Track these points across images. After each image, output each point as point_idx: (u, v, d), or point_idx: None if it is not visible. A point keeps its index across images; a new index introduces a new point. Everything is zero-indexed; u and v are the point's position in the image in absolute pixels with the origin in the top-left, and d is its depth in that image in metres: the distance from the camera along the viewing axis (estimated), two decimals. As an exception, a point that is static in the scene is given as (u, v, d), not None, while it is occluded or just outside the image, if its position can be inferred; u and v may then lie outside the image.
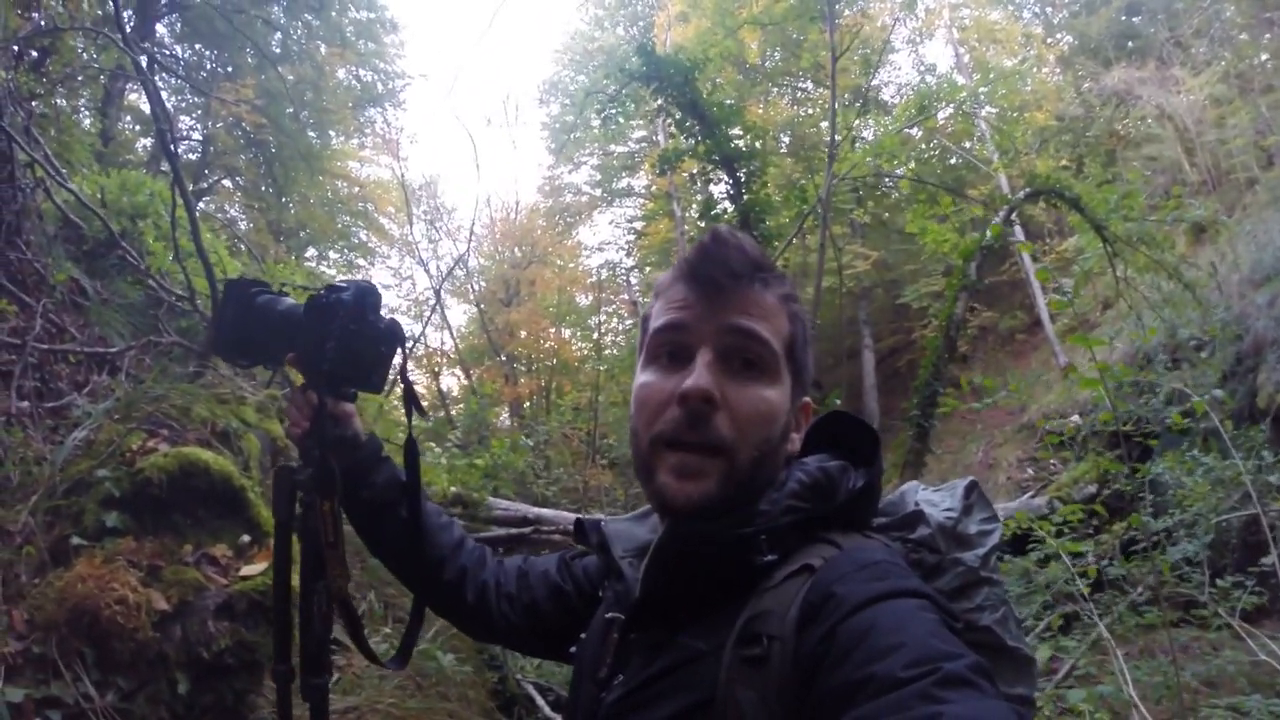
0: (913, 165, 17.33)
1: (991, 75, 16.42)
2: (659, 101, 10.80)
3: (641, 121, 20.99)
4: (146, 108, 12.60)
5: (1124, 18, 21.11)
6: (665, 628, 0.94)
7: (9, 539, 2.40)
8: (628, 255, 27.65)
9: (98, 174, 5.49)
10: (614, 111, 12.03)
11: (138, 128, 14.14)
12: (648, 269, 25.66)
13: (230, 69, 15.01)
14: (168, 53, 14.07)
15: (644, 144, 25.30)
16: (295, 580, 1.37)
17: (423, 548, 1.36)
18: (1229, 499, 5.56)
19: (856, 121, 13.11)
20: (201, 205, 15.17)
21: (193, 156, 15.72)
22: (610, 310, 26.49)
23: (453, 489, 6.60)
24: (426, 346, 22.04)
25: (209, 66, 15.40)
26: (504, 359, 23.10)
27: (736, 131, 10.99)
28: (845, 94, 17.55)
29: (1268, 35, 17.02)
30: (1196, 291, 9.99)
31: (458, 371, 23.36)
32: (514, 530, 6.48)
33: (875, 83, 20.98)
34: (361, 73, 18.65)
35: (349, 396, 1.38)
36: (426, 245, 24.36)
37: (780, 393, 0.98)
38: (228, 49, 14.50)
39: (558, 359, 23.50)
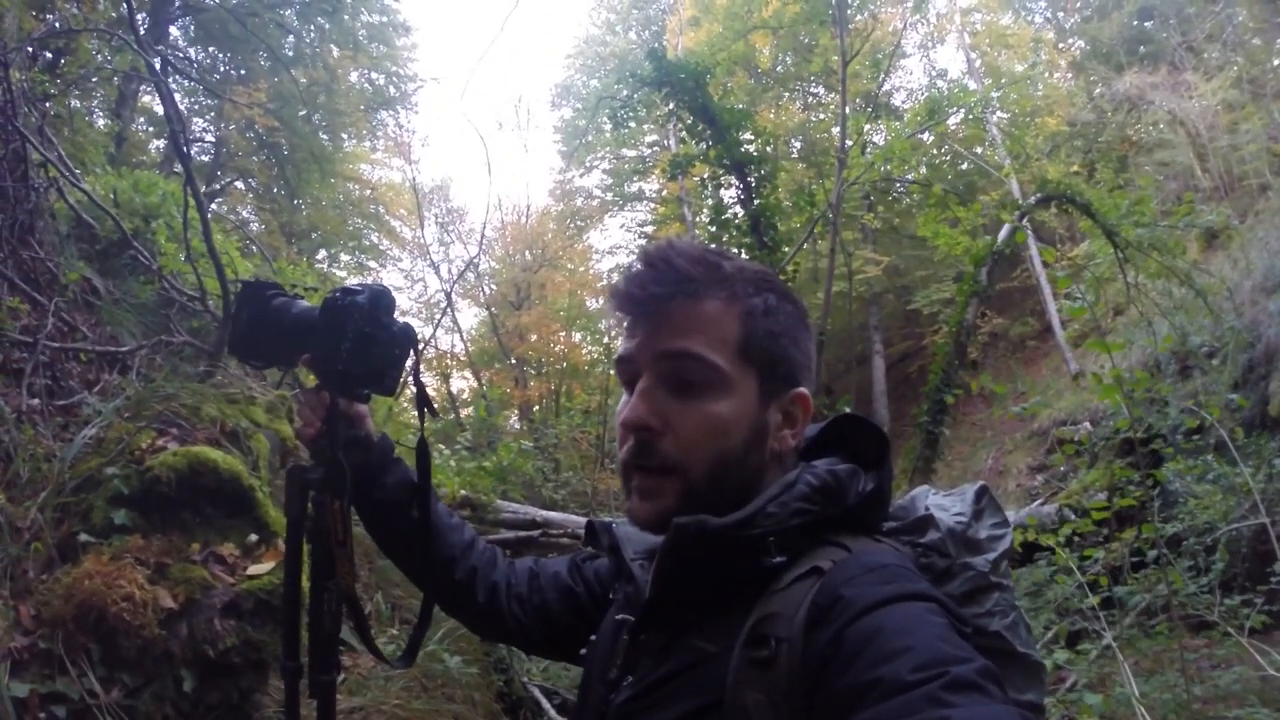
0: (924, 171, 17.32)
1: (1003, 80, 16.39)
2: (670, 106, 10.81)
3: (653, 126, 21.01)
4: (160, 109, 12.73)
5: (1136, 23, 21.07)
6: (674, 629, 0.94)
7: (17, 535, 2.41)
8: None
9: (111, 175, 5.53)
10: (625, 116, 12.05)
11: (151, 129, 14.25)
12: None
13: (243, 71, 15.10)
14: (181, 55, 14.15)
15: (656, 148, 25.33)
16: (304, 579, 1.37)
17: (433, 547, 1.37)
18: (1240, 508, 5.52)
19: (868, 127, 13.09)
20: (214, 207, 15.25)
21: (205, 158, 15.84)
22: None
23: (462, 491, 6.60)
24: (437, 349, 22.15)
25: (222, 69, 15.50)
26: (514, 362, 23.17)
27: (747, 136, 10.99)
28: (856, 99, 17.56)
29: None
30: (1208, 298, 9.93)
31: (468, 374, 23.43)
32: (522, 533, 6.48)
33: (887, 88, 20.99)
34: (374, 76, 18.74)
35: (362, 398, 1.39)
36: (438, 248, 24.48)
37: (732, 402, 0.97)
38: (241, 52, 14.58)
39: (568, 362, 23.55)
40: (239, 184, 17.53)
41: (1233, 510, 5.64)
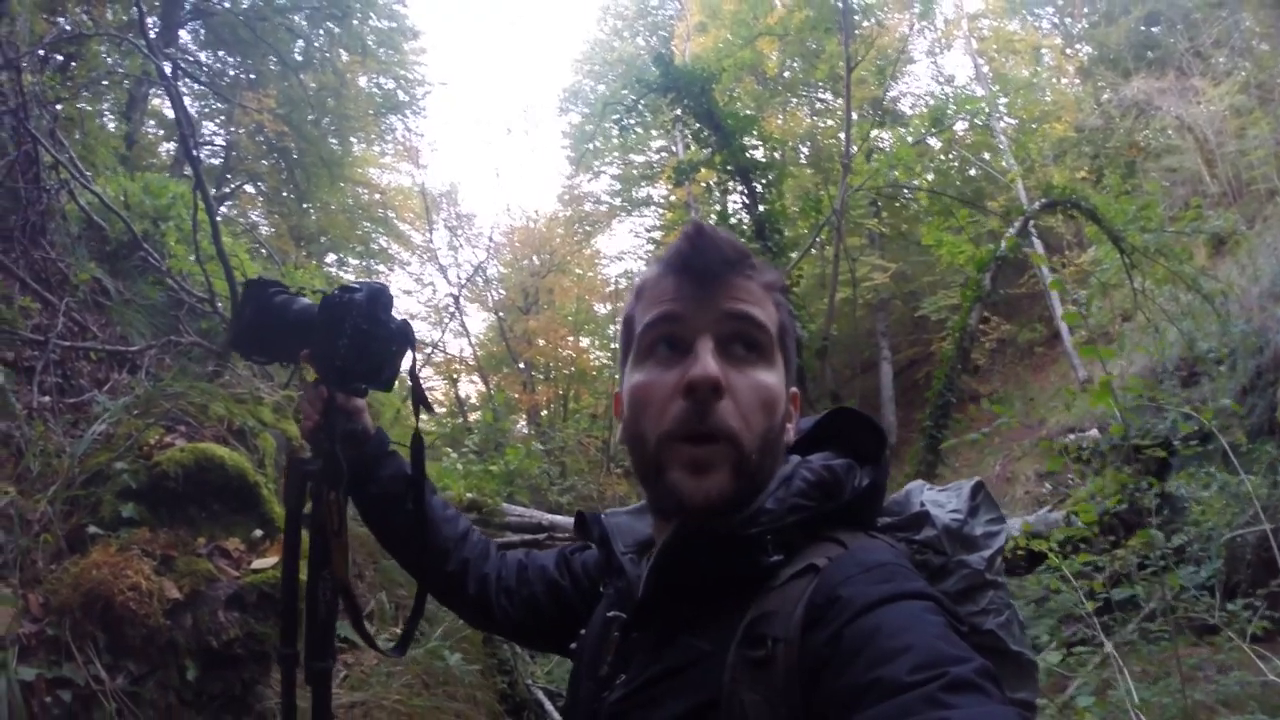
0: (931, 177, 17.31)
1: (1009, 86, 16.36)
2: (676, 112, 10.85)
3: (660, 131, 21.07)
4: (170, 112, 12.81)
5: (1143, 28, 20.96)
6: (668, 627, 0.93)
7: (28, 527, 2.46)
8: (646, 264, 27.57)
9: (122, 177, 5.59)
10: (631, 122, 12.09)
11: (162, 132, 14.35)
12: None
13: (253, 76, 15.18)
14: (191, 59, 14.26)
15: (663, 154, 25.37)
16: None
17: (427, 539, 1.39)
18: (1243, 515, 5.51)
19: (874, 133, 13.11)
20: (223, 210, 15.35)
21: (215, 162, 15.92)
22: (627, 319, 26.46)
23: (468, 495, 6.63)
24: (445, 353, 22.21)
25: (232, 73, 15.60)
26: (522, 367, 23.21)
27: (753, 142, 11.02)
28: (864, 105, 17.57)
29: (1287, 45, 16.91)
30: (1216, 304, 9.89)
31: (476, 379, 23.49)
32: (528, 536, 6.49)
33: (894, 94, 20.98)
34: (382, 81, 18.83)
35: (359, 392, 1.43)
36: (446, 252, 24.55)
37: (778, 378, 0.97)
38: (251, 56, 14.66)
39: (575, 367, 23.59)
40: (249, 187, 17.61)
41: (1236, 517, 5.62)
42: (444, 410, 20.59)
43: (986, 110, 14.14)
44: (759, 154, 11.04)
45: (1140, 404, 6.09)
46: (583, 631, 1.14)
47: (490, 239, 22.26)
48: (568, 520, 6.98)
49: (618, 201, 28.40)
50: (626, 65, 22.79)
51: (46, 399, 3.36)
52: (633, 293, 1.07)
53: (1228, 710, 4.04)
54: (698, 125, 10.63)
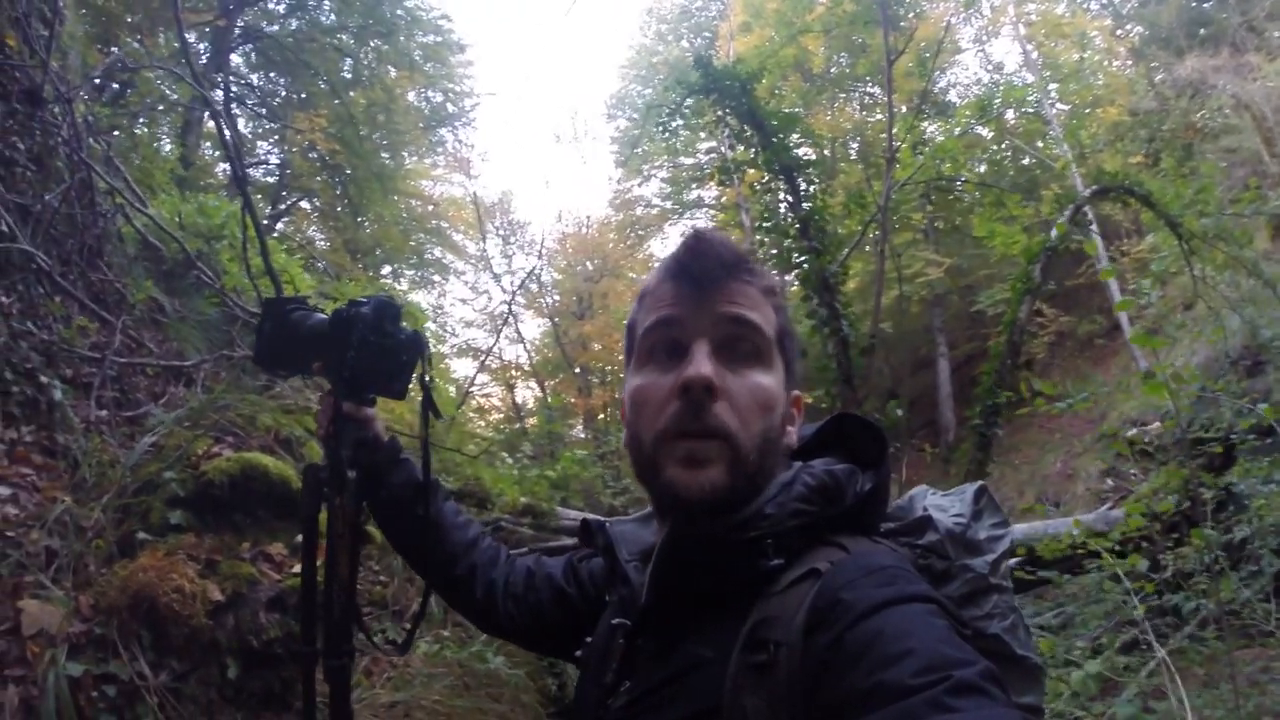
0: (983, 168, 16.99)
1: (1060, 72, 15.97)
2: (718, 113, 10.83)
3: (707, 133, 21.06)
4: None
5: (1194, 4, 20.31)
6: (671, 634, 0.93)
7: (82, 533, 2.60)
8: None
9: (177, 199, 5.80)
10: (677, 124, 12.10)
11: (217, 153, 14.77)
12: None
13: (304, 95, 15.55)
14: (243, 82, 14.68)
15: (712, 155, 25.34)
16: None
17: (436, 544, 1.44)
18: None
19: (925, 125, 12.90)
20: (279, 226, 15.77)
21: (270, 180, 16.36)
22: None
23: (523, 499, 6.71)
24: (502, 360, 22.45)
25: (283, 94, 16.00)
26: (578, 371, 23.35)
27: (799, 139, 10.95)
28: (911, 97, 17.34)
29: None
30: (1278, 289, 9.52)
31: (532, 384, 23.70)
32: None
33: (941, 85, 20.68)
34: (431, 94, 19.13)
35: (368, 401, 1.48)
36: (500, 260, 24.83)
37: (776, 380, 0.99)
38: (301, 76, 15.05)
39: (631, 371, 23.56)
40: (304, 204, 18.02)
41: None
42: (501, 416, 20.83)
43: (1034, 98, 13.81)
44: (805, 152, 10.96)
45: (1194, 395, 5.88)
46: (589, 639, 1.15)
47: (543, 245, 22.44)
48: (620, 523, 7.01)
49: (669, 205, 28.42)
50: (671, 69, 22.80)
51: (104, 413, 3.53)
52: (636, 299, 1.09)
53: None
54: (740, 125, 10.60)
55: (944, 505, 1.07)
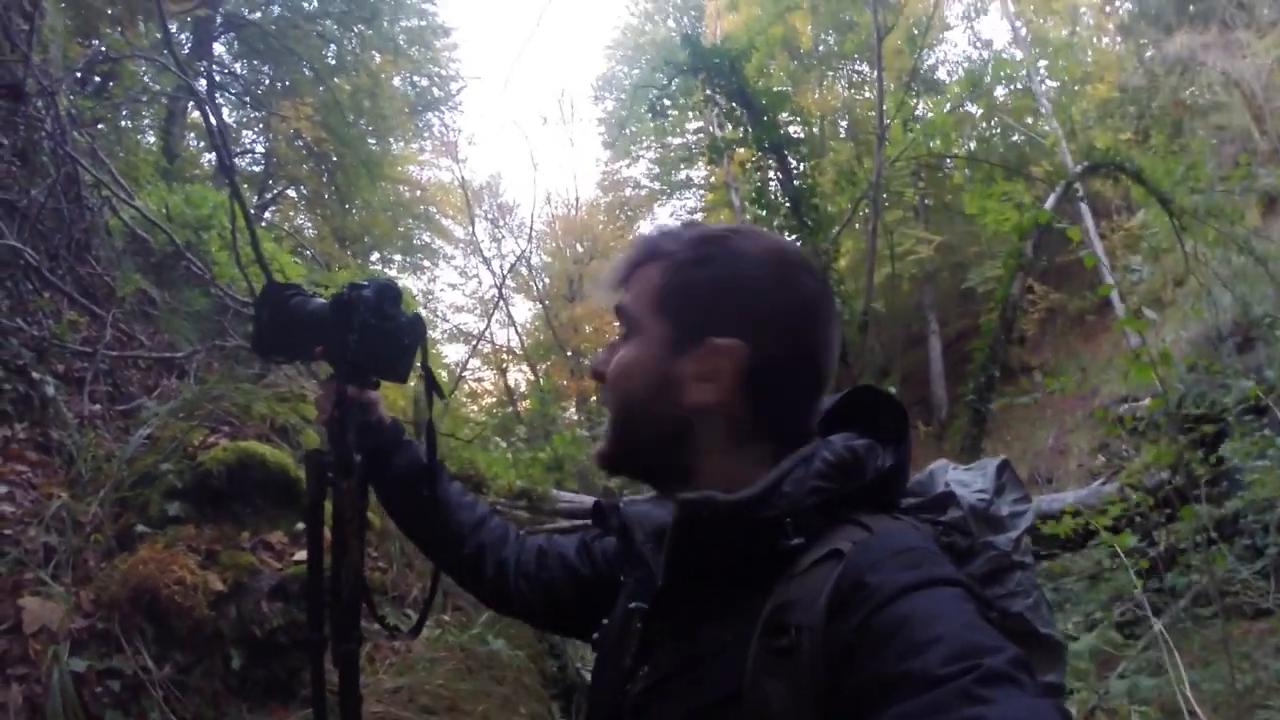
0: (973, 145, 16.99)
1: (1048, 48, 15.96)
2: (707, 92, 10.80)
3: (696, 113, 20.99)
4: (210, 124, 13.07)
5: (1184, -20, 20.30)
6: (690, 616, 0.91)
7: (79, 529, 2.59)
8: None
9: (163, 190, 5.76)
10: (664, 105, 12.05)
11: (201, 144, 14.63)
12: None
13: (288, 82, 15.42)
14: (226, 71, 14.56)
15: (700, 135, 25.27)
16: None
17: (442, 524, 1.43)
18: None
19: (913, 102, 12.86)
20: (267, 215, 15.67)
21: (256, 169, 16.25)
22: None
23: (518, 482, 6.69)
24: (493, 344, 22.44)
25: (267, 82, 15.86)
26: (569, 354, 23.35)
27: (787, 118, 10.92)
28: (901, 75, 17.31)
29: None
30: (1269, 265, 9.54)
31: (524, 368, 23.69)
32: (578, 522, 6.54)
33: (930, 62, 20.62)
34: (416, 79, 19.01)
35: (371, 385, 1.47)
36: (489, 244, 24.77)
37: (636, 347, 1.00)
38: (285, 64, 14.91)
39: (623, 353, 23.59)
40: (290, 192, 17.92)
41: (1292, 489, 5.44)
42: (494, 400, 20.81)
43: (1024, 73, 13.79)
44: (795, 130, 10.95)
45: (1194, 368, 5.89)
46: (605, 622, 1.12)
47: (532, 229, 22.39)
48: (617, 504, 7.02)
49: (657, 185, 28.39)
50: (658, 49, 22.68)
51: (97, 407, 3.51)
52: None
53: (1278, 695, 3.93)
54: (730, 104, 10.57)
55: (966, 481, 1.04)
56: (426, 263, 23.05)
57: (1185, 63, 17.30)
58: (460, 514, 1.45)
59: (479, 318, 23.94)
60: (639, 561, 1.05)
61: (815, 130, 19.18)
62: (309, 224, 17.78)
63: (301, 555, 2.76)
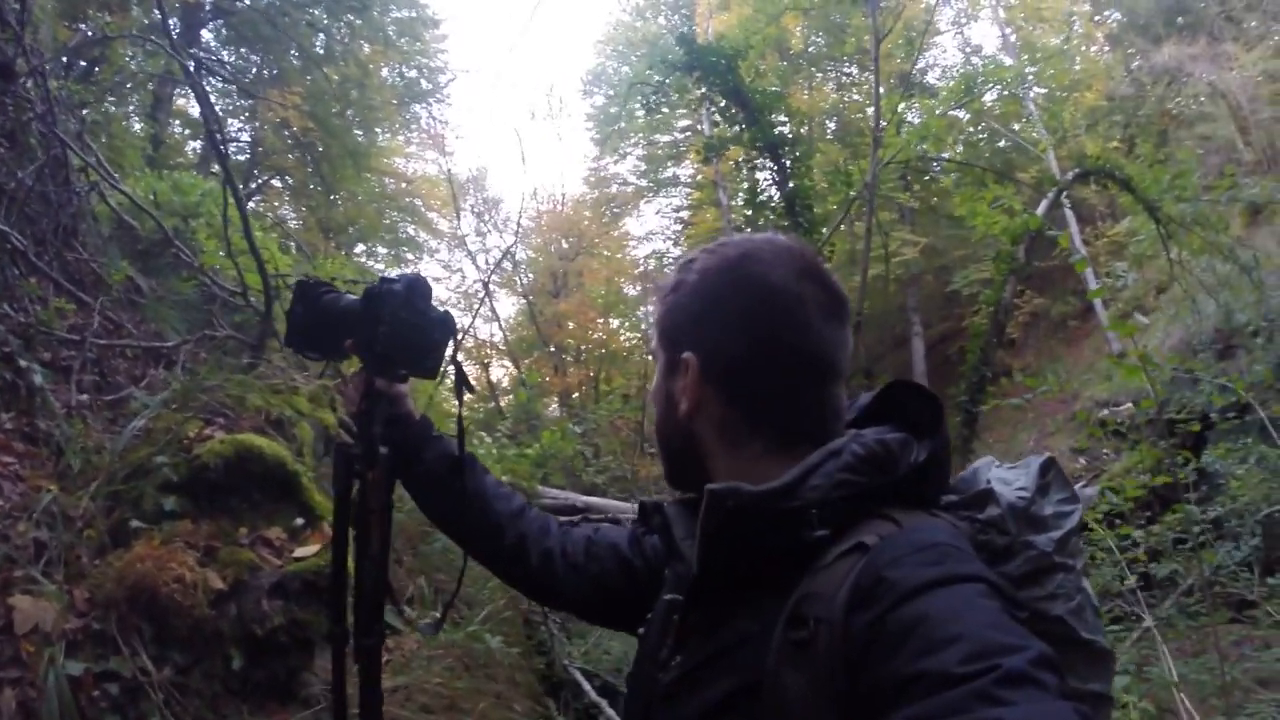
0: (961, 149, 17.08)
1: (1039, 55, 16.08)
2: (702, 90, 10.79)
3: (686, 111, 20.97)
4: (195, 112, 12.95)
5: (1173, -8, 20.54)
6: (722, 608, 0.92)
7: (70, 524, 2.51)
8: (675, 245, 27.56)
9: (150, 177, 5.65)
10: (657, 102, 12.03)
11: (187, 131, 14.51)
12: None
13: (276, 71, 15.29)
14: (214, 58, 14.38)
15: (689, 133, 25.26)
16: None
17: (478, 516, 1.41)
18: (1280, 490, 5.39)
19: (902, 106, 12.92)
20: (251, 205, 15.48)
21: (242, 158, 16.08)
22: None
23: (504, 478, 6.63)
24: (476, 338, 22.33)
25: (255, 70, 15.71)
26: (553, 350, 23.30)
27: (780, 118, 10.93)
28: (891, 78, 17.37)
29: (1322, 8, 16.48)
30: (1253, 274, 9.64)
31: (507, 363, 23.61)
32: (564, 518, 6.50)
33: (921, 66, 20.73)
34: (405, 70, 18.89)
35: (400, 378, 1.47)
36: (475, 238, 24.66)
37: (655, 376, 1.11)
38: (273, 52, 14.79)
39: (606, 349, 23.65)
40: (275, 182, 17.79)
41: (1274, 492, 5.50)
42: (476, 395, 20.71)
43: (1016, 79, 13.88)
44: (786, 130, 10.95)
45: (1174, 375, 5.94)
46: (649, 615, 1.13)
47: (518, 223, 22.31)
48: (602, 502, 7.01)
49: (644, 183, 28.35)
50: (650, 45, 22.63)
51: (85, 397, 3.42)
52: None
53: (1264, 689, 3.96)
54: (724, 102, 10.58)
55: (1008, 478, 1.02)
56: (411, 255, 22.94)
57: (1173, 73, 17.53)
58: (497, 504, 1.43)
59: (463, 312, 23.80)
60: (679, 556, 1.06)
61: (804, 130, 19.23)
62: (293, 215, 17.64)
63: (301, 552, 2.70)
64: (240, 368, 4.25)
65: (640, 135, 26.59)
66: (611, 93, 26.92)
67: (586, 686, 4.75)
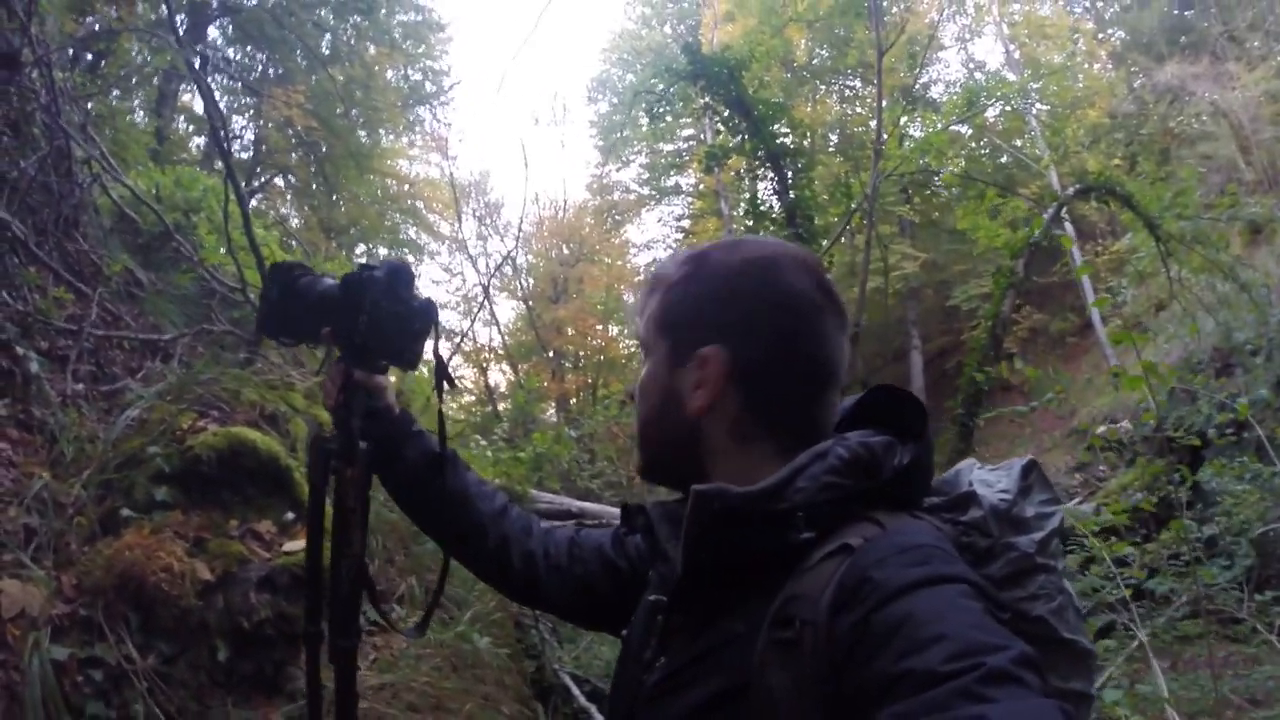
0: (963, 163, 17.14)
1: (1042, 71, 16.15)
2: (705, 99, 10.82)
3: (689, 120, 21.03)
4: (199, 108, 12.98)
5: (1176, 12, 20.71)
6: (707, 609, 0.93)
7: (61, 510, 2.50)
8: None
9: (153, 170, 5.67)
10: (661, 110, 12.07)
11: (191, 127, 14.54)
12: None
13: (281, 71, 15.32)
14: (220, 55, 14.41)
15: (692, 142, 25.35)
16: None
17: (462, 516, 1.38)
18: (1277, 509, 5.40)
19: (904, 119, 12.96)
20: (254, 203, 15.50)
21: (245, 156, 16.09)
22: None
23: (497, 482, 6.64)
24: (475, 342, 22.33)
25: (260, 69, 15.74)
26: (551, 355, 23.33)
27: (783, 129, 10.96)
28: (894, 92, 17.44)
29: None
30: (1253, 293, 9.67)
31: (505, 367, 23.61)
32: (558, 523, 6.48)
33: (924, 80, 20.81)
34: (410, 72, 18.94)
35: (380, 369, 1.42)
36: (475, 242, 24.69)
37: (648, 367, 1.07)
38: (279, 51, 14.82)
39: (604, 355, 23.68)
40: (278, 180, 17.81)
41: (1269, 511, 5.52)
42: (474, 398, 20.71)
43: (1021, 95, 13.94)
44: (789, 141, 10.99)
45: (1173, 394, 5.96)
46: (633, 618, 1.13)
47: (519, 228, 22.35)
48: (597, 507, 6.99)
49: (646, 190, 28.44)
50: (654, 54, 22.71)
51: (80, 386, 3.42)
52: None
53: (1255, 707, 3.96)
54: (727, 112, 10.61)
55: (990, 480, 1.03)
56: (412, 258, 22.88)
57: (1175, 92, 17.62)
58: (479, 504, 1.40)
59: (462, 315, 23.84)
60: (664, 558, 1.06)
61: (806, 142, 19.31)
62: (295, 214, 17.65)
63: (291, 546, 2.69)
64: (237, 362, 4.25)
65: (643, 143, 26.65)
66: (616, 100, 27.02)
67: (576, 691, 4.73)
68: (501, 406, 17.89)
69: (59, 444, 2.91)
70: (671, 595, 0.98)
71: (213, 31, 14.24)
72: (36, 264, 3.77)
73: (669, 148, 26.83)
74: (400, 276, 1.40)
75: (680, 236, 27.23)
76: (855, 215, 11.25)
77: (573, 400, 22.25)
